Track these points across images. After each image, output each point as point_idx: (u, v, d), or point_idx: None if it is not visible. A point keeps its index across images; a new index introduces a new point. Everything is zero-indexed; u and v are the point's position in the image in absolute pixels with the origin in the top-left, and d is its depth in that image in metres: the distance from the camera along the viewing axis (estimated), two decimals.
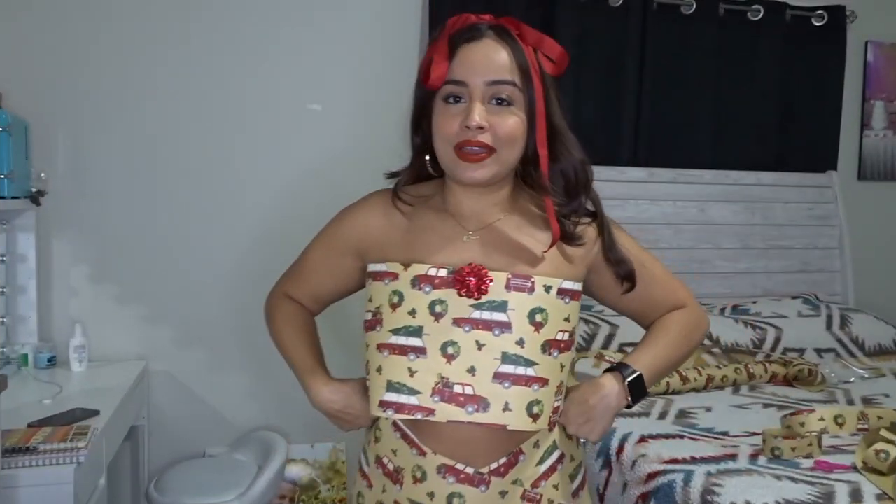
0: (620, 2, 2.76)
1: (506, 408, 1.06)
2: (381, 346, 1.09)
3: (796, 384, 2.40)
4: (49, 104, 2.39)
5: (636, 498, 1.71)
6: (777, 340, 2.58)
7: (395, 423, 1.13)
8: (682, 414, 2.07)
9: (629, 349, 2.40)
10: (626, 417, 2.02)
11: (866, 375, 2.48)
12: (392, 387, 1.08)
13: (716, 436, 1.89)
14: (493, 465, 1.10)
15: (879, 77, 3.21)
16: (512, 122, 1.06)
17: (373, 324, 1.12)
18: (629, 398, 1.13)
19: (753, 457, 1.73)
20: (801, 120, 3.03)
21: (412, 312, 1.08)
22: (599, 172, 3.01)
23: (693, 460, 1.71)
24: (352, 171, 2.66)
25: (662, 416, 2.06)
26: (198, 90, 2.52)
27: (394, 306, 1.09)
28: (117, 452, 2.16)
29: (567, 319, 1.10)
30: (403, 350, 1.08)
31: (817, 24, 3.00)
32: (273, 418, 2.64)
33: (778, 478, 1.60)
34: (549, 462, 1.14)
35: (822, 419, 1.90)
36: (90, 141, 2.44)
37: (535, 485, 1.12)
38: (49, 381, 2.17)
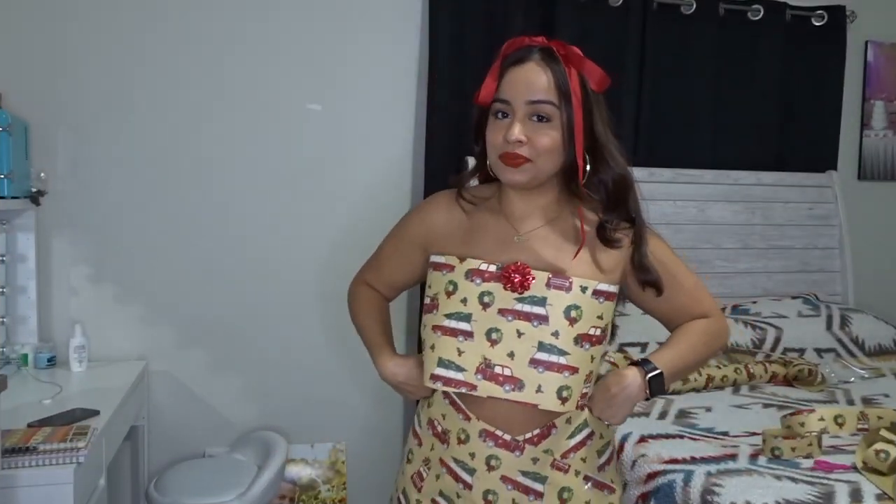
0: (620, 2, 2.76)
1: (538, 389, 1.20)
2: (435, 328, 1.25)
3: (796, 384, 2.41)
4: (49, 104, 2.39)
5: (636, 498, 1.71)
6: (777, 340, 2.58)
7: (445, 392, 1.28)
8: (682, 414, 2.07)
9: (629, 349, 2.42)
10: None
11: (866, 375, 2.48)
12: (442, 363, 1.24)
13: (716, 436, 1.89)
14: (528, 435, 1.25)
15: (879, 77, 3.21)
16: (547, 139, 1.20)
17: (430, 307, 1.27)
18: (648, 391, 1.24)
19: (753, 457, 1.73)
20: (801, 120, 3.03)
21: (464, 300, 1.23)
22: None
23: (693, 460, 1.71)
24: (351, 169, 2.67)
25: (662, 416, 2.06)
26: (198, 90, 2.52)
27: (448, 294, 1.25)
28: (117, 452, 2.16)
29: (600, 317, 1.23)
30: (454, 332, 1.23)
31: (817, 24, 3.00)
32: (273, 418, 2.64)
33: (778, 478, 1.60)
34: (578, 437, 1.27)
35: (822, 419, 1.90)
36: (90, 141, 2.44)
37: (564, 455, 1.26)
38: (49, 381, 2.16)
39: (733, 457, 1.73)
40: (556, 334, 1.20)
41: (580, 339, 1.20)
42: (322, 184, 2.64)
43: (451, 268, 1.26)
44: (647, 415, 2.06)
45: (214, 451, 2.58)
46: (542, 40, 1.24)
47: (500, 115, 1.22)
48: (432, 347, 1.26)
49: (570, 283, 1.21)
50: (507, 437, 1.24)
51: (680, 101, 2.88)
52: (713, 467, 1.66)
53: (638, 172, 3.06)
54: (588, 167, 1.23)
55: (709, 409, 2.11)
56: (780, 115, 3.00)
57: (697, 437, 1.87)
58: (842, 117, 3.09)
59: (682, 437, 1.87)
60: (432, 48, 2.62)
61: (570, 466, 1.26)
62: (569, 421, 1.26)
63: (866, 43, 3.18)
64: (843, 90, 3.07)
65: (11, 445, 1.56)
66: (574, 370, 1.20)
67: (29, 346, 2.31)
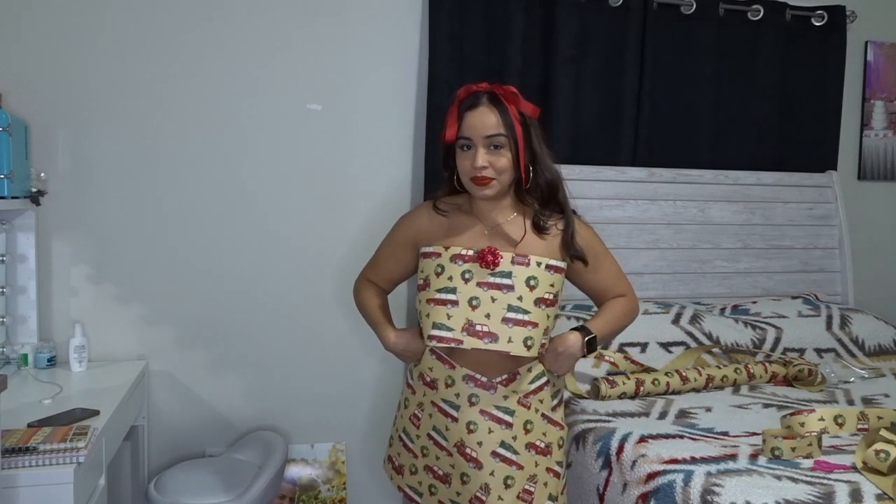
0: (620, 2, 2.76)
1: (510, 340, 1.61)
2: (429, 300, 1.65)
3: (796, 384, 2.41)
4: (49, 104, 2.39)
5: (636, 498, 1.71)
6: (777, 340, 2.58)
7: (431, 350, 1.69)
8: (682, 414, 2.07)
9: (628, 349, 2.44)
10: (625, 417, 2.02)
11: (866, 375, 2.48)
12: (436, 326, 1.63)
13: (716, 436, 1.89)
14: (500, 378, 1.66)
15: (879, 77, 3.21)
16: (504, 160, 1.61)
17: (423, 286, 1.68)
18: (585, 350, 1.68)
19: (753, 457, 1.73)
20: (801, 120, 3.03)
21: (450, 278, 1.64)
22: (599, 172, 3.01)
23: (693, 460, 1.71)
24: (351, 169, 2.67)
25: (662, 416, 2.06)
26: (198, 90, 2.52)
27: (437, 274, 1.65)
28: (117, 452, 2.16)
29: (552, 285, 1.65)
30: (444, 302, 1.63)
31: (817, 24, 3.00)
32: (273, 418, 2.64)
33: (778, 478, 1.60)
34: (537, 383, 1.69)
35: (822, 419, 1.90)
36: (90, 141, 2.44)
37: (526, 396, 1.68)
38: (49, 381, 2.17)
39: (733, 457, 1.73)
40: (520, 298, 1.61)
41: (538, 302, 1.62)
42: (321, 184, 2.64)
43: (439, 254, 1.67)
44: (647, 415, 2.06)
45: (214, 451, 2.58)
46: (485, 86, 1.63)
47: (465, 147, 1.62)
48: (427, 315, 1.65)
49: (529, 259, 1.63)
50: (485, 378, 1.65)
51: (680, 100, 2.88)
52: (713, 467, 1.66)
53: (638, 172, 3.11)
54: (531, 176, 1.64)
55: (709, 409, 2.11)
56: (780, 115, 3.00)
57: (697, 437, 1.87)
58: (842, 117, 3.09)
59: (682, 437, 1.87)
60: (432, 48, 2.62)
61: (531, 404, 1.67)
62: (530, 370, 1.68)
63: (866, 43, 3.18)
64: (843, 90, 3.07)
65: (11, 445, 1.56)
66: (535, 325, 1.62)
67: (29, 346, 2.31)
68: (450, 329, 1.62)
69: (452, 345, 1.62)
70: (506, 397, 1.66)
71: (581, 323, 1.76)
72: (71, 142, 2.43)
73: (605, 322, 1.75)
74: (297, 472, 2.65)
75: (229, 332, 2.59)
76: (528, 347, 1.61)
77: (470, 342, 1.60)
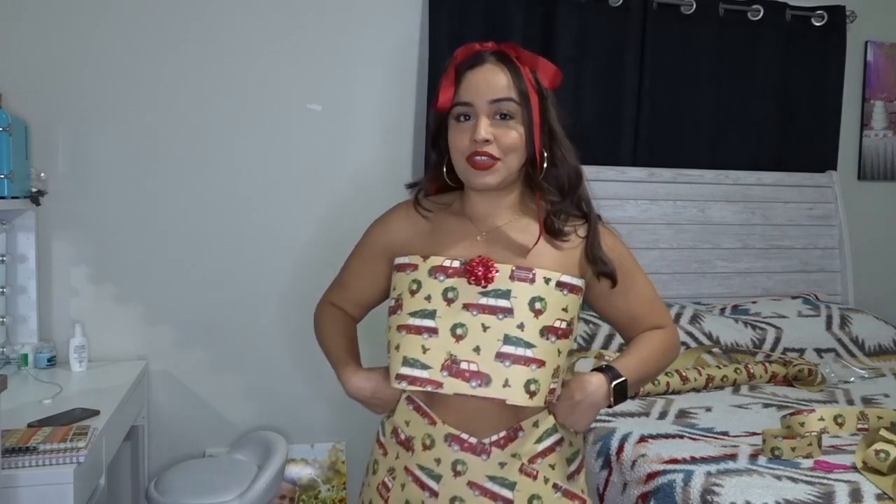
0: (620, 2, 2.76)
1: (506, 384, 1.16)
2: (399, 327, 1.23)
3: (796, 384, 2.41)
4: (49, 104, 2.39)
5: (636, 498, 1.71)
6: (777, 340, 2.58)
7: (409, 397, 1.27)
8: (682, 414, 2.07)
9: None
10: (625, 417, 2.02)
11: (866, 375, 2.48)
12: (407, 362, 1.20)
13: (716, 436, 1.89)
14: (494, 437, 1.21)
15: (879, 77, 3.21)
16: (514, 135, 1.20)
17: (395, 309, 1.25)
18: (612, 399, 1.23)
19: (753, 457, 1.73)
20: (801, 120, 3.03)
21: (428, 298, 1.21)
22: (599, 172, 3.01)
23: (693, 460, 1.71)
24: (352, 169, 2.67)
25: (662, 416, 2.06)
26: (198, 90, 2.52)
27: (412, 292, 1.23)
28: (117, 452, 2.16)
29: (565, 309, 1.21)
30: (419, 330, 1.21)
31: (817, 24, 3.00)
32: (273, 418, 2.64)
33: (778, 478, 1.60)
34: (547, 442, 1.24)
35: (822, 419, 1.90)
36: (90, 141, 2.44)
37: (532, 461, 1.22)
38: (49, 381, 2.17)
39: (733, 457, 1.73)
40: (521, 326, 1.18)
41: (546, 332, 1.19)
42: (322, 184, 2.64)
43: (415, 266, 1.25)
44: (647, 415, 2.06)
45: (214, 451, 2.58)
46: (492, 45, 1.25)
47: (462, 118, 1.22)
48: (397, 347, 1.23)
49: (534, 274, 1.20)
50: (473, 440, 1.21)
51: (680, 100, 2.88)
52: (713, 467, 1.66)
53: (638, 172, 3.10)
54: (545, 162, 1.24)
55: (709, 409, 2.11)
56: (780, 115, 3.00)
57: (697, 437, 1.87)
58: (842, 117, 3.09)
59: (682, 437, 1.87)
60: (432, 48, 2.62)
61: (538, 472, 1.22)
62: (536, 424, 1.23)
63: (866, 43, 3.18)
64: (843, 90, 3.07)
65: (11, 445, 1.56)
66: (541, 363, 1.18)
67: (29, 346, 2.31)
68: (425, 367, 1.19)
69: (429, 388, 1.19)
70: (503, 464, 1.21)
71: (605, 362, 1.31)
72: (71, 142, 2.43)
73: (638, 361, 1.30)
74: (297, 472, 2.65)
75: (229, 332, 2.59)
76: (532, 394, 1.17)
77: (452, 385, 1.17)
